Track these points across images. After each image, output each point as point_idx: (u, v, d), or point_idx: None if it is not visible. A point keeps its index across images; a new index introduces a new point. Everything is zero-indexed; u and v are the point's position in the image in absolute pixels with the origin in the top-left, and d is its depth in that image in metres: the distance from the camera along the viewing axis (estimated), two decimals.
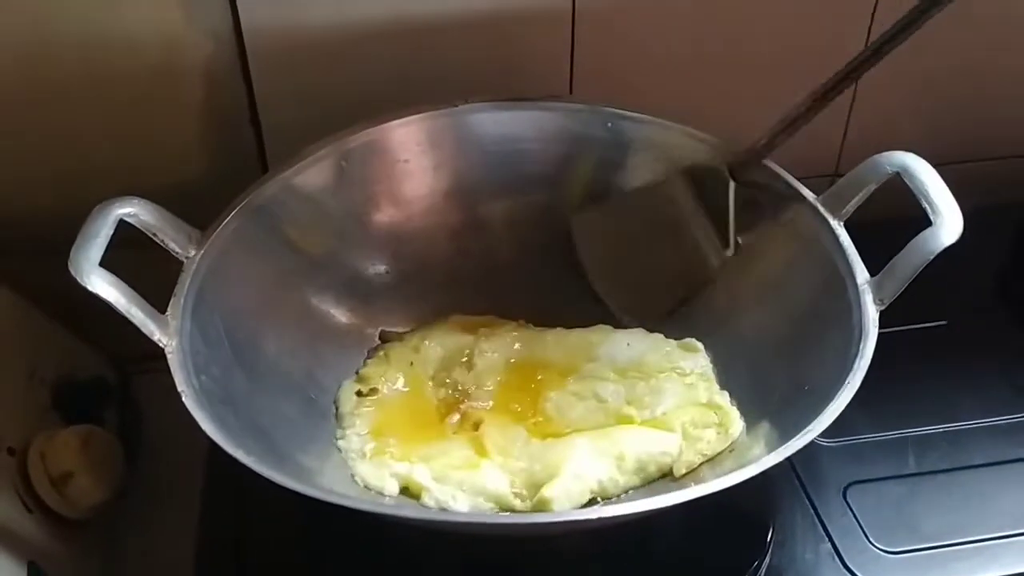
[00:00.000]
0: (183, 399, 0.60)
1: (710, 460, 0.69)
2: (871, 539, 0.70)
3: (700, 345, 0.76)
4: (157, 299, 0.65)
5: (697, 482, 0.67)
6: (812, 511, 0.72)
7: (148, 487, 0.76)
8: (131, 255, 0.64)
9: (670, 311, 0.78)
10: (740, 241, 0.75)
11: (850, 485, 0.73)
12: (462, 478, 0.68)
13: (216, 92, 0.79)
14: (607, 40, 0.82)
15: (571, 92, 0.84)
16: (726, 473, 0.58)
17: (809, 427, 0.58)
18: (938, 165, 0.68)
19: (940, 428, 0.77)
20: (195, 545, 0.72)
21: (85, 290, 0.61)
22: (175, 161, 0.82)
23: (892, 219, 0.67)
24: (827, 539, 0.70)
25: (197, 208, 0.70)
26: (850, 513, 0.72)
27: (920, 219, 0.65)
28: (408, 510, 0.65)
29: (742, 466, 0.58)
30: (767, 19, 0.84)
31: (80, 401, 0.74)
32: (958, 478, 0.74)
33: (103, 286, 0.61)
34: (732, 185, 0.74)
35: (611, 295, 0.80)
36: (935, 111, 0.92)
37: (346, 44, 0.78)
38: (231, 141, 0.82)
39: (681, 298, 0.78)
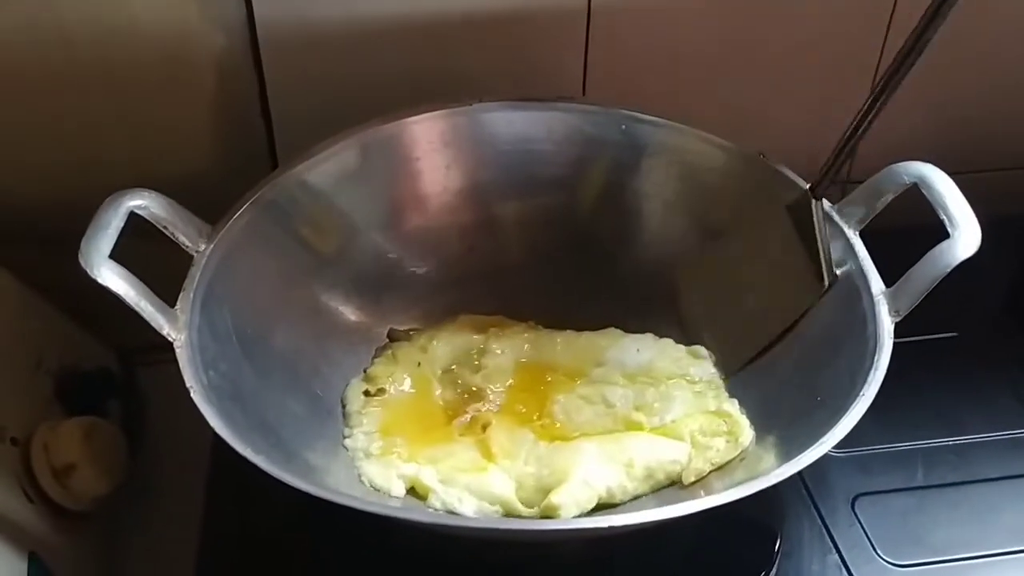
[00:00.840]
0: (192, 395, 0.60)
1: (719, 468, 0.69)
2: (879, 551, 0.70)
3: (706, 352, 0.76)
4: (164, 289, 0.64)
5: (706, 490, 0.67)
6: (820, 522, 0.71)
7: (151, 479, 0.76)
8: (139, 245, 0.63)
9: (765, 349, 0.74)
10: (839, 273, 0.70)
11: (858, 496, 0.73)
12: (469, 481, 0.68)
13: (227, 84, 0.79)
14: (622, 41, 0.82)
15: (584, 93, 0.84)
16: (736, 483, 0.57)
17: (823, 439, 0.58)
18: (949, 174, 0.68)
19: (949, 440, 0.77)
20: (198, 538, 0.71)
21: (91, 280, 0.60)
22: (184, 152, 0.81)
23: (905, 227, 0.67)
24: (834, 550, 0.70)
25: (204, 199, 0.70)
26: (858, 524, 0.71)
27: (933, 227, 0.65)
28: (418, 514, 0.65)
29: (753, 477, 0.58)
30: (783, 22, 0.83)
31: (84, 392, 0.73)
32: (967, 492, 0.74)
33: (113, 279, 0.61)
34: (816, 205, 0.71)
35: (712, 338, 0.77)
36: (947, 119, 0.92)
37: (359, 39, 0.78)
38: (241, 133, 0.81)
39: (776, 335, 0.73)
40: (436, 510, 0.67)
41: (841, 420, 0.59)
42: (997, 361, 0.83)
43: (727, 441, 0.70)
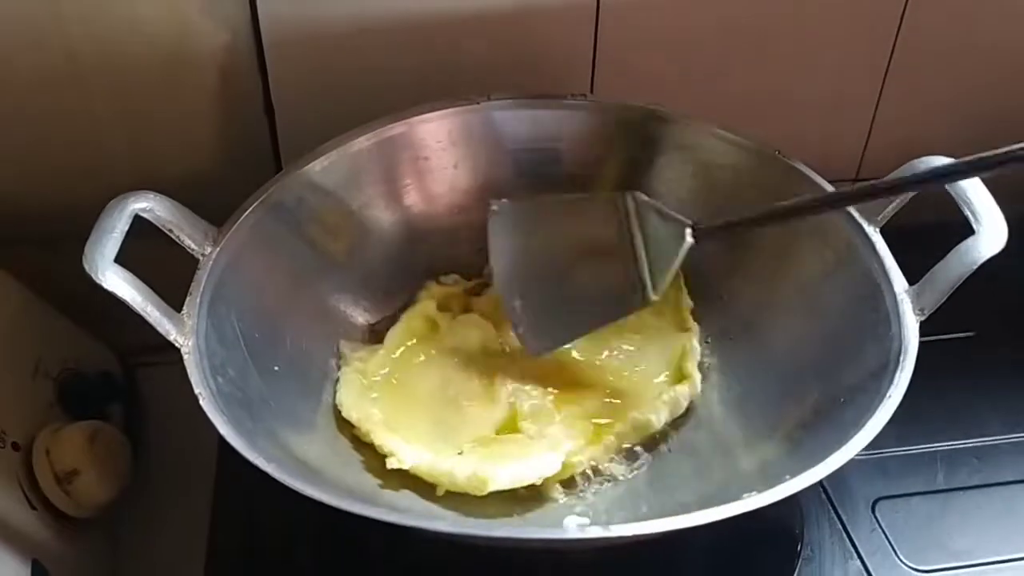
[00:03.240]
0: (200, 402, 0.59)
1: None
2: (901, 556, 0.69)
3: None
4: (170, 290, 0.63)
5: None
6: (840, 526, 0.70)
7: (155, 484, 0.75)
8: (143, 247, 0.62)
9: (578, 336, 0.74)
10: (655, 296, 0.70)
11: (878, 500, 0.72)
12: None
13: (231, 82, 0.78)
14: (631, 35, 0.81)
15: (592, 88, 0.83)
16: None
17: (849, 444, 0.57)
18: None
19: (969, 443, 0.76)
20: (206, 545, 0.70)
21: (92, 283, 0.59)
22: (187, 151, 0.80)
23: (923, 224, 0.66)
24: (856, 556, 0.69)
25: (207, 200, 0.69)
26: (879, 529, 0.70)
27: (954, 223, 0.64)
28: (434, 523, 0.63)
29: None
30: (794, 17, 0.83)
31: (86, 395, 0.72)
32: (989, 494, 0.73)
33: (119, 283, 0.60)
34: (687, 244, 0.69)
35: (516, 308, 0.74)
36: (969, 113, 0.91)
37: (364, 36, 0.77)
38: (244, 133, 0.80)
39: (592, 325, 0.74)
40: None
41: (867, 424, 0.57)
42: (1016, 361, 0.82)
43: None
